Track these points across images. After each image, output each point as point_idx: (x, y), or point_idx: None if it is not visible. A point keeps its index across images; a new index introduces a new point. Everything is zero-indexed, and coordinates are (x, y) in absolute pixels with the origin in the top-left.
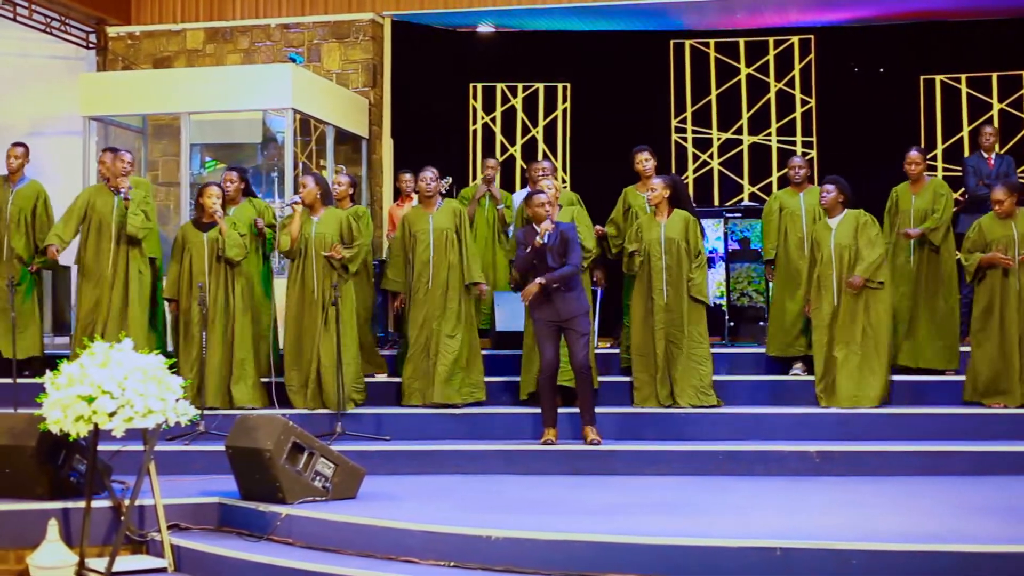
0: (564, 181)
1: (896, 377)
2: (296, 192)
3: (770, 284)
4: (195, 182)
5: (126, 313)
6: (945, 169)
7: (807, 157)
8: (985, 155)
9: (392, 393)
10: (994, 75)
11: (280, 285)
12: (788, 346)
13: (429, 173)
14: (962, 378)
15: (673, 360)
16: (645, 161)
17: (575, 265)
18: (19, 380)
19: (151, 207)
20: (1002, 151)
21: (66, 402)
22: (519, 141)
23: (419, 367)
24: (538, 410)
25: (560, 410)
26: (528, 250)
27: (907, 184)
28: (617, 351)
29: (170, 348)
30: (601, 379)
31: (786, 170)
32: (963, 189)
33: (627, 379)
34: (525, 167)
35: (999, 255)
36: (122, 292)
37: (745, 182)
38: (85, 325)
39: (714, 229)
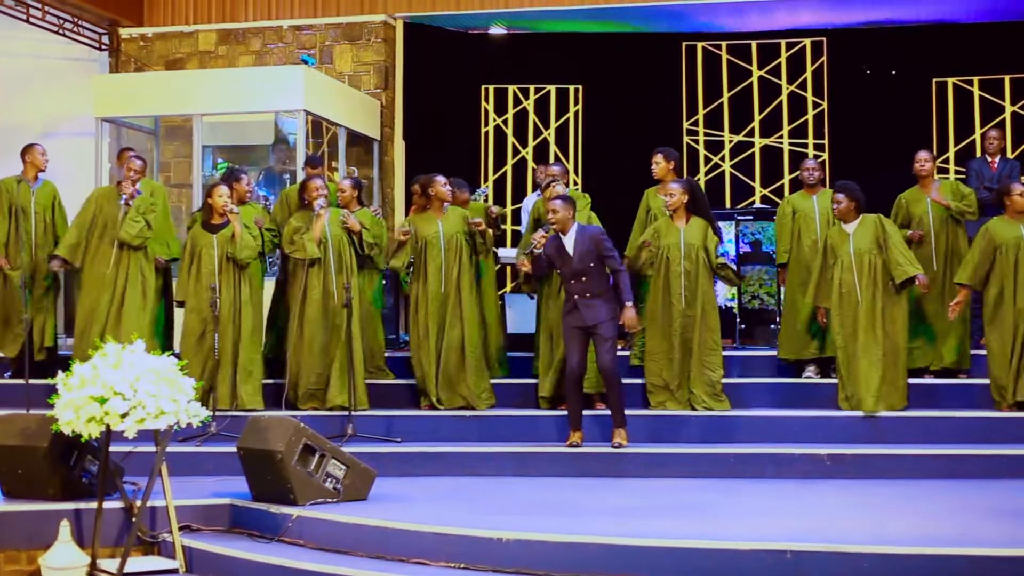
0: (575, 184)
1: (910, 380)
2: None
3: (782, 288)
4: (207, 184)
5: (121, 317)
6: (957, 172)
7: (819, 159)
8: (989, 159)
9: (403, 395)
10: (1007, 78)
11: (269, 286)
12: (800, 349)
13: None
14: (975, 381)
15: (687, 364)
16: (654, 164)
17: (622, 269)
18: (31, 381)
19: (161, 213)
20: (1014, 153)
21: (78, 403)
22: (531, 143)
23: (433, 371)
24: (550, 412)
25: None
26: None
27: (916, 188)
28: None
29: (177, 350)
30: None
31: (798, 172)
32: None
33: (637, 381)
34: (536, 169)
35: None
36: (120, 296)
37: (757, 184)
38: (82, 328)
39: (725, 232)
